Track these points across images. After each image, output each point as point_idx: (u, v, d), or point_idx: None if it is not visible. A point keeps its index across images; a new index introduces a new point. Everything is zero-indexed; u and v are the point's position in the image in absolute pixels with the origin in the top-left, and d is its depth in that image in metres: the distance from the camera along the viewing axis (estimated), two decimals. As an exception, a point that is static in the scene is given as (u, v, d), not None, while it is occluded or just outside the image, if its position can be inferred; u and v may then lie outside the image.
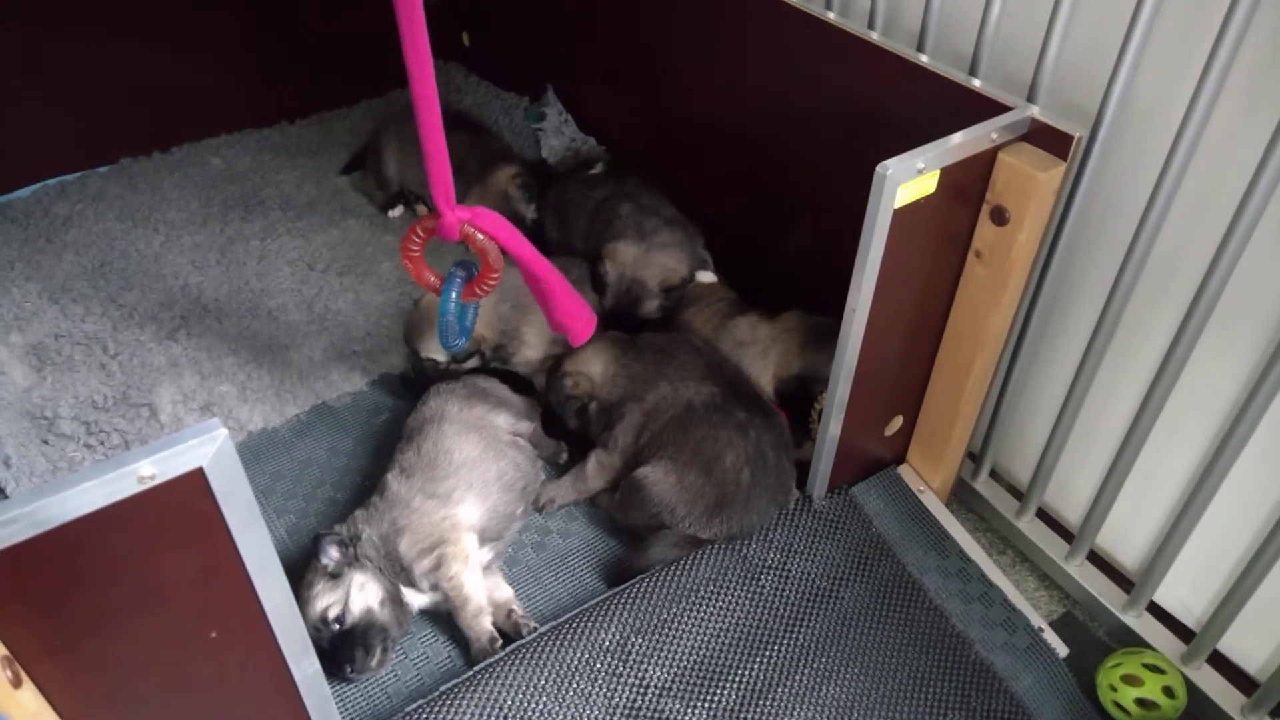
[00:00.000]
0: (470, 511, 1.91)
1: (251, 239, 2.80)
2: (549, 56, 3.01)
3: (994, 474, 2.17)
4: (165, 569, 1.16)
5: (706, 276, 2.41)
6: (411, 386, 2.31)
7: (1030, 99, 1.69)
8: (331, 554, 1.80)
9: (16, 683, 1.08)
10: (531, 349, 2.21)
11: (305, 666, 1.38)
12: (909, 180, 1.53)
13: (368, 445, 2.25)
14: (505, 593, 1.91)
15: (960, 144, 1.56)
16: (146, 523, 1.11)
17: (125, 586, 1.15)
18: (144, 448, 1.07)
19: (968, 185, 1.64)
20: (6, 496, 1.95)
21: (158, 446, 1.07)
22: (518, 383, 2.26)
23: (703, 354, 2.07)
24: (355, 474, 2.18)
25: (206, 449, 1.10)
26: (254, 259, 2.73)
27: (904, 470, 2.08)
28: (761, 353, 2.19)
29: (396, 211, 2.92)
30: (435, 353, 2.19)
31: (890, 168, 1.50)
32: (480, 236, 1.82)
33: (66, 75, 2.89)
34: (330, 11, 3.19)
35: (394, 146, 2.88)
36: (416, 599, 1.86)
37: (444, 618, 1.89)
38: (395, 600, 1.82)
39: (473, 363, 2.21)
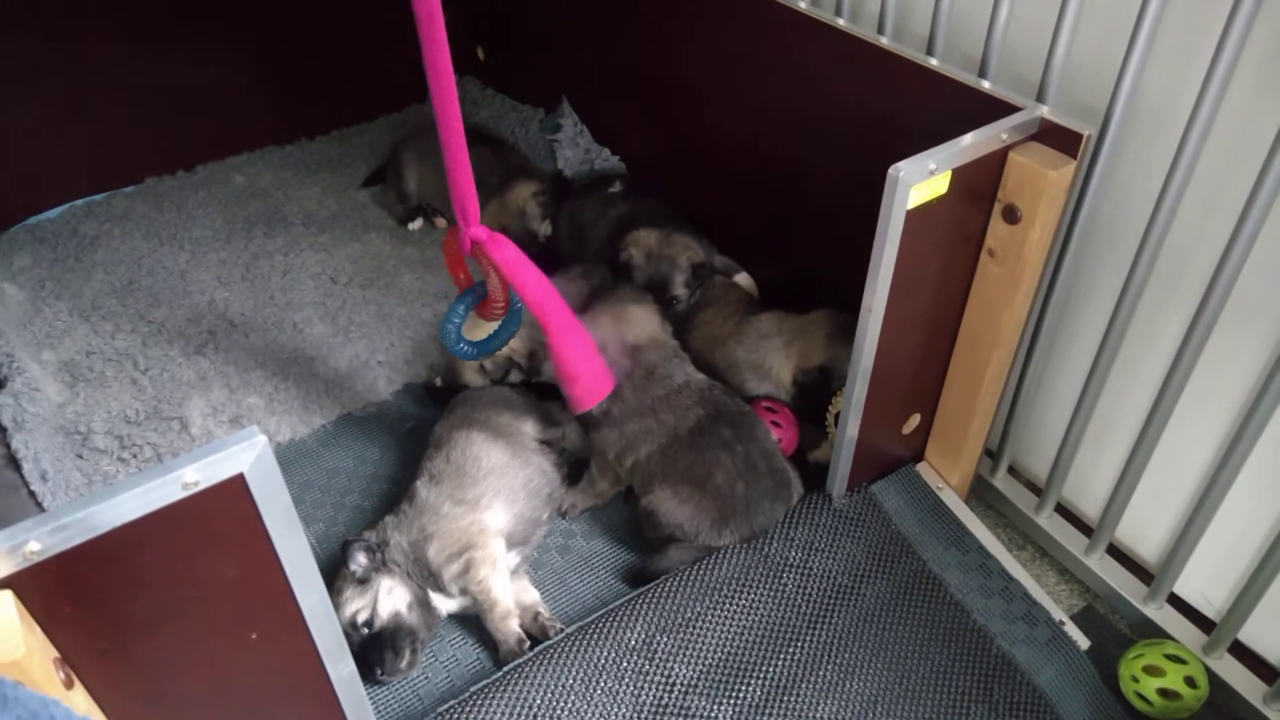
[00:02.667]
0: (498, 517, 1.94)
1: (275, 254, 2.85)
2: (563, 69, 3.05)
3: (1012, 470, 2.19)
4: (208, 572, 1.20)
5: (743, 279, 2.46)
6: (436, 396, 2.36)
7: (1040, 99, 1.72)
8: (360, 560, 1.84)
9: (69, 684, 1.12)
10: None
11: (341, 668, 1.41)
12: (921, 181, 1.56)
13: (394, 454, 2.28)
14: (532, 595, 1.94)
15: (971, 145, 1.59)
16: (190, 527, 1.15)
17: (170, 590, 1.19)
18: (187, 455, 1.11)
19: (979, 185, 1.67)
20: (43, 508, 1.99)
21: (201, 454, 1.11)
22: (544, 390, 2.30)
23: (691, 387, 2.08)
24: (382, 482, 2.22)
25: (247, 455, 1.14)
26: (278, 274, 2.78)
27: (922, 468, 2.10)
28: (785, 344, 2.22)
29: (416, 224, 2.96)
30: (474, 378, 2.26)
31: (903, 169, 1.53)
32: (486, 262, 1.83)
33: (91, 97, 2.95)
34: (348, 28, 3.25)
35: (414, 161, 2.93)
36: (445, 603, 1.90)
37: (472, 621, 1.92)
38: (423, 604, 1.86)
39: (514, 378, 2.26)
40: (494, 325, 2.03)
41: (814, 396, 2.18)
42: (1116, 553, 2.01)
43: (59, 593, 1.09)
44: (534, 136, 3.10)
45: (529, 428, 2.13)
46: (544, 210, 2.74)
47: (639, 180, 2.81)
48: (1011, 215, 1.69)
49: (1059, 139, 1.63)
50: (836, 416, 2.07)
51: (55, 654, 1.12)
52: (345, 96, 3.40)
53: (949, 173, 1.59)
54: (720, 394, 2.05)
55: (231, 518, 1.17)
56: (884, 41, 1.88)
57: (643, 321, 2.16)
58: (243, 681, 1.34)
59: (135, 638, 1.20)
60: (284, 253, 2.85)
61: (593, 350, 1.89)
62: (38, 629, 1.09)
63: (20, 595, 1.06)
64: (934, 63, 1.79)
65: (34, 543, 1.04)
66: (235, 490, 1.15)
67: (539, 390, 2.28)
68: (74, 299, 2.69)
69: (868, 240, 1.63)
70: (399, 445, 2.30)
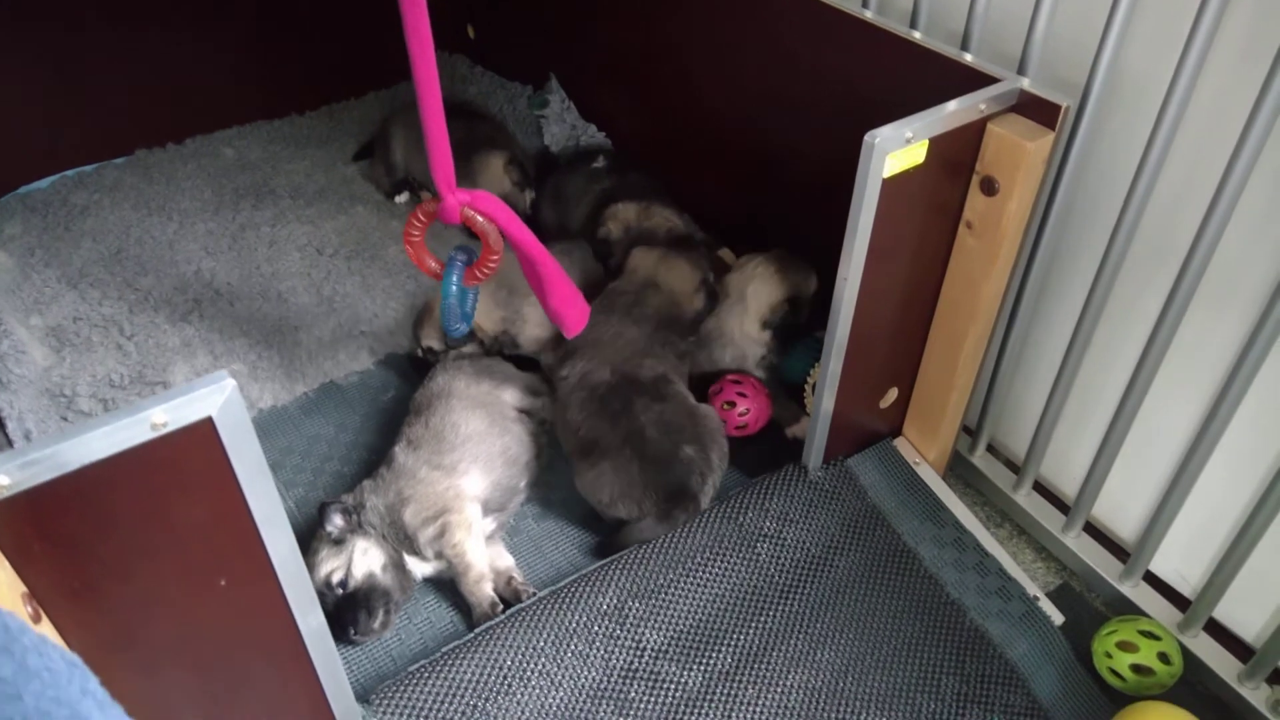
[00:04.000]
0: (475, 483, 1.95)
1: (262, 226, 2.86)
2: (552, 47, 3.07)
3: (991, 449, 2.19)
4: (177, 516, 1.20)
5: (725, 252, 2.47)
6: (418, 366, 2.36)
7: (1021, 73, 1.73)
8: (335, 521, 1.85)
9: (36, 618, 1.12)
10: (537, 326, 2.24)
11: (311, 620, 1.42)
12: (898, 150, 1.56)
13: (374, 422, 2.29)
14: (506, 561, 1.95)
15: (949, 114, 1.60)
16: (159, 469, 1.15)
17: (141, 531, 1.19)
18: (156, 397, 1.12)
19: (957, 155, 1.67)
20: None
21: (169, 396, 1.12)
22: (522, 362, 2.31)
23: (625, 346, 2.10)
24: (362, 449, 2.23)
25: (215, 399, 1.14)
26: (265, 244, 2.79)
27: (900, 443, 2.11)
28: (737, 299, 2.23)
29: (402, 198, 2.97)
30: (433, 341, 2.24)
31: (879, 136, 1.53)
32: (480, 219, 1.85)
33: (83, 71, 2.95)
34: (340, 5, 3.26)
35: (400, 135, 2.94)
36: (420, 567, 1.91)
37: (447, 585, 1.93)
38: (398, 566, 1.87)
39: (470, 347, 2.25)
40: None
41: (794, 332, 2.20)
42: (1094, 531, 2.02)
43: (29, 529, 1.10)
44: (521, 113, 3.11)
45: (509, 396, 2.14)
46: (520, 181, 2.72)
47: (623, 157, 2.82)
48: (989, 187, 1.70)
49: (1038, 111, 1.64)
50: (814, 388, 2.08)
51: (24, 589, 1.12)
52: (335, 73, 3.41)
53: (926, 142, 1.60)
54: (639, 365, 2.05)
55: (201, 461, 1.18)
56: (868, 15, 1.88)
57: (680, 276, 2.21)
58: (212, 629, 1.34)
59: (106, 579, 1.20)
60: (271, 224, 2.86)
61: (573, 284, 2.00)
62: (7, 565, 1.10)
63: (-11, 529, 1.07)
64: (917, 36, 1.80)
65: (2, 477, 1.05)
66: (204, 434, 1.15)
67: (517, 362, 2.29)
68: (63, 266, 2.70)
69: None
70: (380, 414, 2.31)
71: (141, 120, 3.13)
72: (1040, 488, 2.11)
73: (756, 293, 2.19)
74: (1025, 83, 1.66)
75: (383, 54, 3.23)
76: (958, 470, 2.20)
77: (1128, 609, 1.90)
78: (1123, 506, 1.96)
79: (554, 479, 2.15)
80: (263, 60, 3.24)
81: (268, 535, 1.29)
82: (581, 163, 2.74)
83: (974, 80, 1.68)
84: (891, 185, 1.60)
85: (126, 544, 1.19)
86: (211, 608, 1.32)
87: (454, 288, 1.95)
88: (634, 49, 2.66)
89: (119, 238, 2.81)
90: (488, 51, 3.40)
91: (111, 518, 1.16)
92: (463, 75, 3.37)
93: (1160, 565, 1.91)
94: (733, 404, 2.15)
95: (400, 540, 1.87)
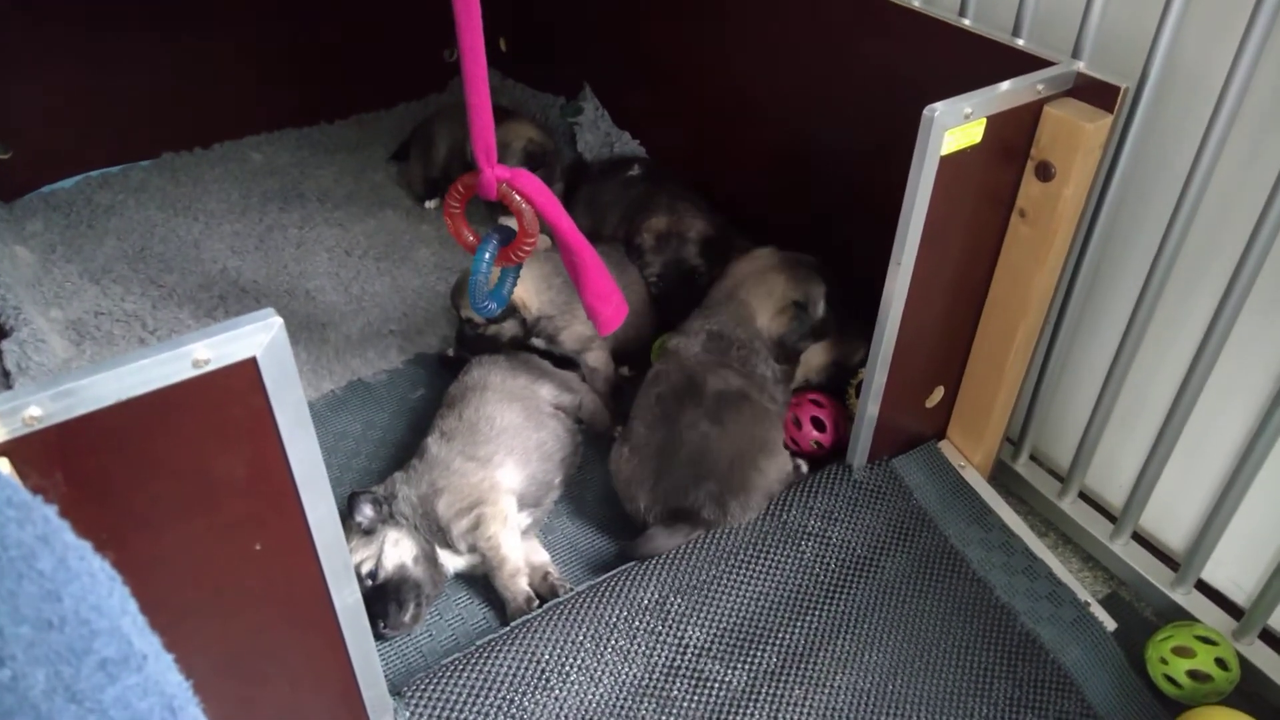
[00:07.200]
0: (510, 476, 1.89)
1: (290, 227, 2.84)
2: (583, 57, 3.07)
3: (1034, 458, 2.13)
4: (215, 467, 1.15)
5: None
6: (448, 365, 2.31)
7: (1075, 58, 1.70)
8: (365, 512, 1.79)
9: (63, 565, 1.06)
10: (585, 324, 2.18)
11: (346, 595, 1.35)
12: (956, 126, 1.53)
13: (403, 420, 2.24)
14: (542, 556, 1.89)
15: (1007, 92, 1.56)
16: (199, 413, 1.10)
17: (175, 482, 1.13)
18: (200, 331, 1.07)
19: (1013, 138, 1.63)
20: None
21: (213, 330, 1.06)
22: (560, 362, 2.26)
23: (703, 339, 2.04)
24: (390, 446, 2.17)
25: (261, 338, 1.09)
26: (292, 245, 2.76)
27: (945, 446, 2.05)
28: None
29: (433, 203, 2.95)
30: (471, 311, 2.18)
31: (938, 110, 1.49)
32: (517, 198, 1.81)
33: (108, 73, 2.94)
34: (372, 14, 3.27)
35: (445, 133, 2.92)
36: (453, 561, 1.84)
37: (480, 581, 1.87)
38: (430, 559, 1.80)
39: (510, 324, 2.18)
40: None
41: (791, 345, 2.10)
42: (1141, 539, 1.95)
43: (59, 468, 1.04)
44: (554, 122, 3.10)
45: (545, 392, 2.09)
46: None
47: (658, 163, 2.80)
48: (1045, 172, 1.66)
49: (1095, 94, 1.61)
50: (858, 388, 2.03)
51: (50, 536, 1.06)
52: (365, 83, 3.41)
53: (984, 120, 1.56)
54: (712, 374, 1.96)
55: (242, 407, 1.12)
56: (916, 4, 1.86)
57: (764, 293, 2.08)
58: (244, 598, 1.28)
59: (137, 533, 1.14)
60: (299, 226, 2.84)
61: (612, 280, 1.92)
62: (34, 506, 1.04)
63: (17, 466, 1.00)
64: (967, 23, 1.77)
65: (35, 408, 0.99)
66: (247, 376, 1.10)
67: (555, 362, 2.24)
68: (85, 263, 2.67)
69: (894, 215, 1.61)
70: (408, 412, 2.26)
71: (168, 124, 3.11)
72: (1085, 496, 2.04)
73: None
74: (1081, 65, 1.62)
75: (414, 66, 3.31)
76: (1001, 478, 2.13)
77: (1180, 618, 1.83)
78: (1173, 513, 1.89)
79: (589, 478, 2.09)
80: (293, 69, 3.24)
81: (307, 497, 1.23)
82: (617, 170, 2.72)
83: (1028, 65, 1.64)
84: (948, 165, 1.57)
85: (160, 495, 1.13)
86: (245, 575, 1.26)
87: (484, 265, 1.89)
88: (666, 55, 2.65)
89: (143, 236, 2.78)
90: (519, 64, 3.40)
91: (145, 464, 1.10)
92: (494, 87, 3.33)
93: (1212, 573, 1.84)
94: (801, 424, 2.09)
95: (433, 532, 1.81)
